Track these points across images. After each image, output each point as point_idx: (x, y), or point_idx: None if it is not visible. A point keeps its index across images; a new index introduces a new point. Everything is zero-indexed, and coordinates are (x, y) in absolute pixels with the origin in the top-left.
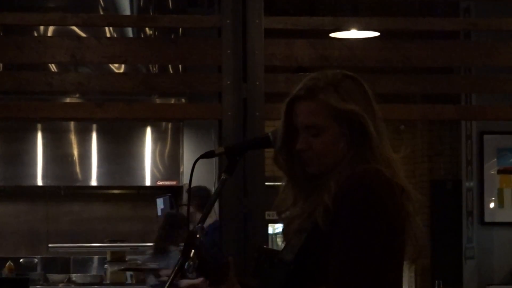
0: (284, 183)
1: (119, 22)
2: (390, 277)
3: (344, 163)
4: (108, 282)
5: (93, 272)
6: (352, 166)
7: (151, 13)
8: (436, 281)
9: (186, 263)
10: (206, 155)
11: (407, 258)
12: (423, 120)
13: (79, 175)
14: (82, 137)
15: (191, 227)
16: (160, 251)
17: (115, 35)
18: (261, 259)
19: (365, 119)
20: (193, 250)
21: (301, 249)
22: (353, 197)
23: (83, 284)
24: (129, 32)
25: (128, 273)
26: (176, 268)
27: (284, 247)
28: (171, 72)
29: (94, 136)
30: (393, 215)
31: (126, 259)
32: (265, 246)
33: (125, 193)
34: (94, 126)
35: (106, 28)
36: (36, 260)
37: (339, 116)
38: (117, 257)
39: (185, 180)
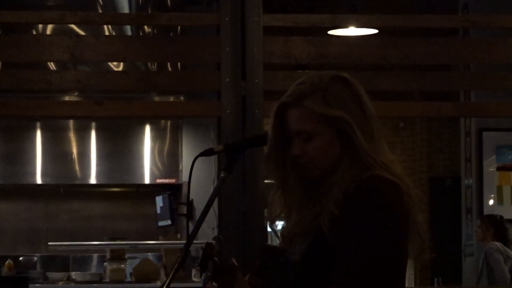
0: (274, 191)
1: (117, 20)
2: (395, 279)
3: (343, 167)
4: (107, 280)
5: (93, 270)
6: (353, 171)
7: (149, 11)
8: (436, 278)
9: (204, 274)
10: (205, 153)
11: (411, 256)
12: (422, 117)
13: (78, 173)
14: (81, 135)
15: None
16: None
17: (114, 33)
18: (267, 257)
19: (351, 125)
20: (211, 262)
21: (307, 250)
22: (361, 201)
23: (83, 282)
24: (128, 30)
25: (128, 271)
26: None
27: (290, 248)
28: (170, 70)
29: (93, 134)
30: (400, 218)
31: (126, 257)
32: (270, 244)
33: (124, 191)
34: (93, 124)
35: (105, 26)
36: (35, 258)
37: (327, 121)
38: (117, 255)
39: (184, 178)
